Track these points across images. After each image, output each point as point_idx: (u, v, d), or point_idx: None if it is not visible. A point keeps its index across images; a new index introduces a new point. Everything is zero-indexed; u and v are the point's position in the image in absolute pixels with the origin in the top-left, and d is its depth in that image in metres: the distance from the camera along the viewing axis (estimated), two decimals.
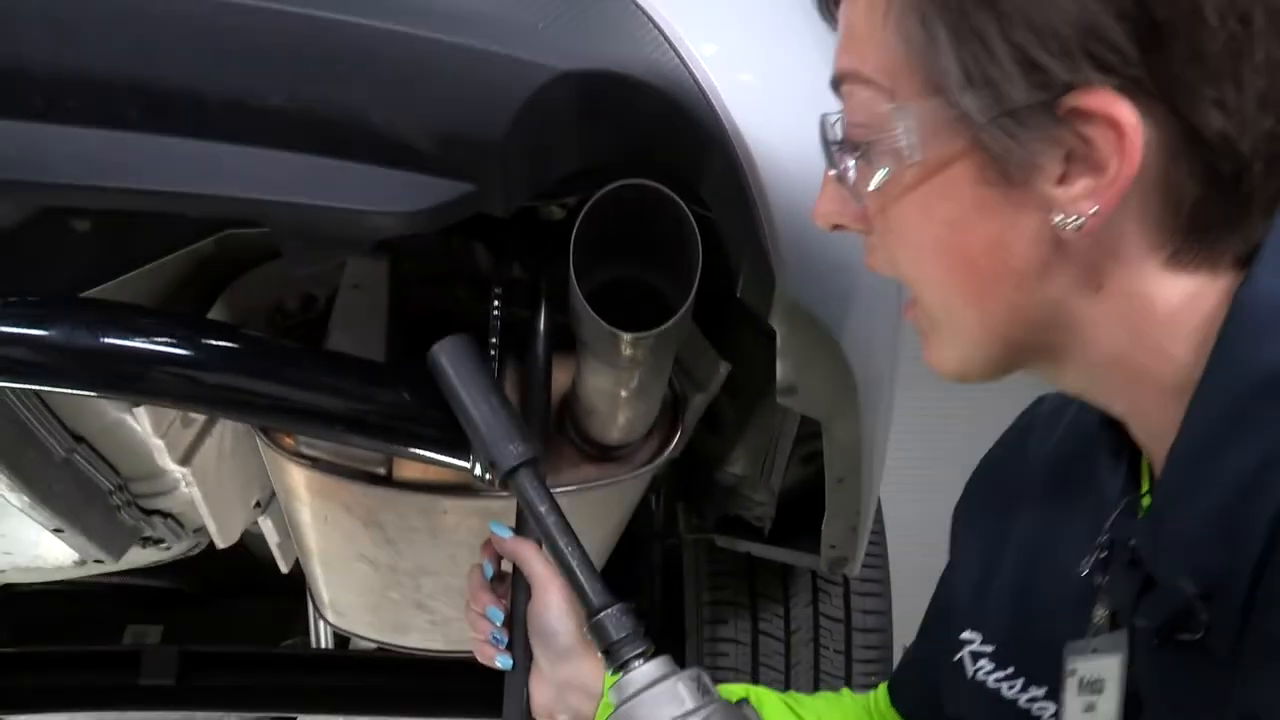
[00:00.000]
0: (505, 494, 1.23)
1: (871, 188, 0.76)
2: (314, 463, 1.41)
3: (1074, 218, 0.70)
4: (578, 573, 1.00)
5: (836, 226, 0.82)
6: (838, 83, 0.78)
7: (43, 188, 0.97)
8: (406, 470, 1.41)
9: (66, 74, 0.94)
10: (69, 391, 1.15)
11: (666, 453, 1.46)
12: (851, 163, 0.77)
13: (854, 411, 1.24)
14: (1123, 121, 0.67)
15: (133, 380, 1.08)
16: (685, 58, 1.00)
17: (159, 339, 1.08)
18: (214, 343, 1.11)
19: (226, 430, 1.62)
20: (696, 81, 1.00)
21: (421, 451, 1.21)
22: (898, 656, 1.45)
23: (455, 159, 0.97)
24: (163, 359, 1.08)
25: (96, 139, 0.95)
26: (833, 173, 0.79)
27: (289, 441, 1.41)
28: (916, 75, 0.72)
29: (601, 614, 0.97)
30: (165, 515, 1.86)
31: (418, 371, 1.12)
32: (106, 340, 1.06)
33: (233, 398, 1.12)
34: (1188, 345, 0.72)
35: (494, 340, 1.18)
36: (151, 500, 1.81)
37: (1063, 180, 0.70)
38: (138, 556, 1.98)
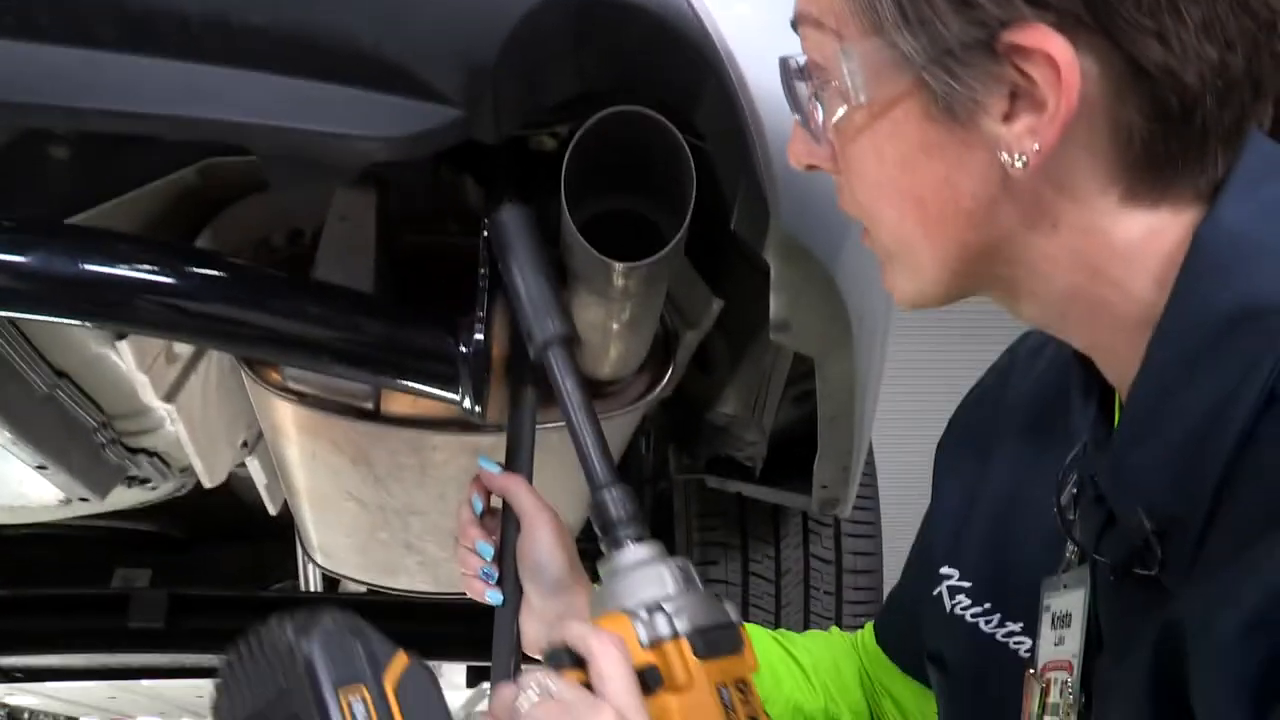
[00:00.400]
0: (494, 429, 1.22)
1: (827, 129, 0.77)
2: (301, 398, 1.39)
3: (1019, 155, 0.70)
4: (590, 450, 1.00)
5: (810, 167, 0.81)
6: (795, 24, 0.78)
7: (17, 108, 0.94)
8: (395, 405, 1.40)
9: None
10: (50, 319, 1.13)
11: (658, 389, 1.45)
12: (818, 104, 0.77)
13: (848, 348, 1.23)
14: (1057, 57, 0.67)
15: (113, 306, 1.06)
16: None
17: (140, 265, 1.06)
18: (197, 268, 1.09)
19: (212, 366, 1.60)
20: (692, 7, 0.98)
21: (410, 384, 1.20)
22: None
23: (444, 83, 0.94)
24: (145, 286, 1.06)
25: (73, 59, 0.92)
26: (796, 115, 0.79)
27: (275, 376, 1.39)
28: (859, 17, 0.72)
29: (605, 491, 0.97)
30: (150, 454, 1.85)
31: (407, 304, 1.10)
32: (87, 266, 1.04)
33: (216, 326, 1.11)
34: (1149, 281, 0.72)
35: (483, 272, 1.16)
36: (136, 438, 1.80)
37: (1008, 118, 0.70)
38: (124, 497, 1.97)
